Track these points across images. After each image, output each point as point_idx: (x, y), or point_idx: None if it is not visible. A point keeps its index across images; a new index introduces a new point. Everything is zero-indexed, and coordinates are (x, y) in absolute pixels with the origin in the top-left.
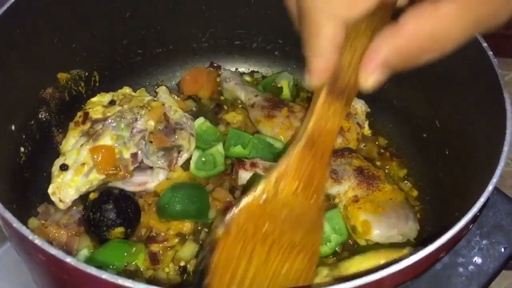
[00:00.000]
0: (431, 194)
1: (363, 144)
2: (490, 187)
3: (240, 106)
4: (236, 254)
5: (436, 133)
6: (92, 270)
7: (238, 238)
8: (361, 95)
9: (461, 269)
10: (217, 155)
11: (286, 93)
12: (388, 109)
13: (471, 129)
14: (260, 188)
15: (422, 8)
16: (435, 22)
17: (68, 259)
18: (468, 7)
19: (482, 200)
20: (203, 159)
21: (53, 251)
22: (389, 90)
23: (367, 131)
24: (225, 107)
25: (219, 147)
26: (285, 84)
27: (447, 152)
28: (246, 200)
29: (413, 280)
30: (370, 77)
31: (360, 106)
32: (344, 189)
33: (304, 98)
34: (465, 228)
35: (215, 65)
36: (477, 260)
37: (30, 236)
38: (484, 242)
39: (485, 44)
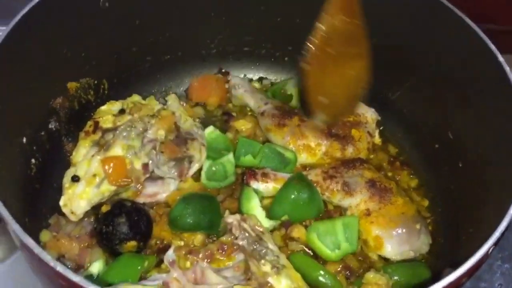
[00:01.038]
0: (442, 205)
1: (374, 155)
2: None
3: (249, 113)
4: (319, 74)
5: (449, 145)
6: None
7: (317, 62)
8: (371, 103)
9: None
10: (227, 165)
11: (295, 101)
12: (398, 118)
13: (487, 143)
14: (319, 27)
15: None
16: None
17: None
18: None
19: (504, 224)
20: (214, 168)
21: (75, 278)
22: (399, 99)
23: (377, 140)
24: (234, 114)
25: (230, 157)
26: (294, 92)
27: (460, 165)
28: (312, 40)
29: None
30: None
31: (370, 115)
32: (356, 201)
33: None
34: (487, 253)
35: (223, 71)
36: (500, 285)
37: (52, 263)
38: (506, 266)
39: (500, 59)
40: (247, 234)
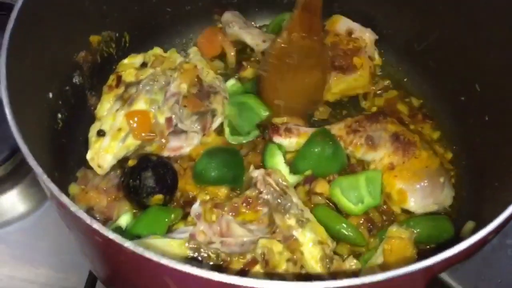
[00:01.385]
0: (466, 159)
1: (378, 87)
2: None
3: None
4: (273, 79)
5: (476, 97)
6: (150, 255)
7: (273, 70)
8: (394, 53)
9: (510, 251)
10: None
11: None
12: (423, 70)
13: None
14: (278, 41)
15: None
16: None
17: (127, 244)
18: None
19: None
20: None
21: (111, 235)
22: (425, 50)
23: (378, 60)
24: (245, 64)
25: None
26: None
27: (486, 119)
28: (272, 49)
29: (463, 262)
30: None
31: (368, 36)
32: (380, 155)
33: None
34: None
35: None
36: None
37: (88, 220)
38: None
39: None
40: (271, 189)
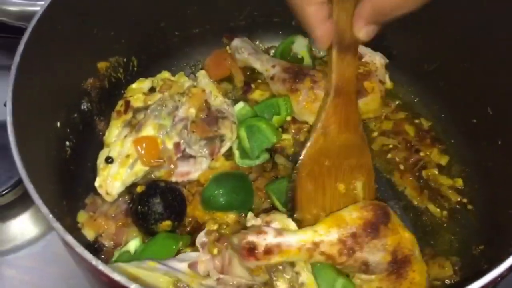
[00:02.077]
0: (478, 182)
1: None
2: None
3: (262, 81)
4: (312, 188)
5: (488, 120)
6: None
7: (309, 177)
8: (405, 73)
9: None
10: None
11: (307, 61)
12: (434, 91)
13: None
14: (312, 140)
15: None
16: None
17: (133, 286)
18: None
19: None
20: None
21: (117, 277)
22: (436, 71)
23: (389, 84)
24: (253, 86)
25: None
26: (304, 54)
27: (499, 143)
28: (305, 151)
29: None
30: (362, 31)
31: (378, 60)
32: (370, 278)
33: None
34: None
35: (229, 36)
36: None
37: (94, 261)
38: None
39: None
40: None
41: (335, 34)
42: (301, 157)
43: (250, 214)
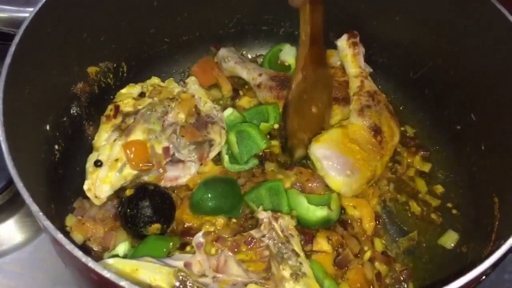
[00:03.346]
0: (463, 187)
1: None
2: None
3: (249, 88)
4: (297, 120)
5: (472, 126)
6: None
7: (295, 113)
8: (393, 77)
9: (508, 286)
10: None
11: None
12: (419, 98)
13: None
14: (294, 85)
15: None
16: None
17: (123, 283)
18: None
19: None
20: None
21: (107, 274)
22: (421, 78)
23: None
24: (241, 92)
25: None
26: (292, 62)
27: (483, 148)
28: (291, 95)
29: None
30: None
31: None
32: None
33: None
34: None
35: (216, 46)
36: None
37: (84, 258)
38: None
39: None
40: (274, 234)
41: None
42: (288, 99)
43: (260, 208)
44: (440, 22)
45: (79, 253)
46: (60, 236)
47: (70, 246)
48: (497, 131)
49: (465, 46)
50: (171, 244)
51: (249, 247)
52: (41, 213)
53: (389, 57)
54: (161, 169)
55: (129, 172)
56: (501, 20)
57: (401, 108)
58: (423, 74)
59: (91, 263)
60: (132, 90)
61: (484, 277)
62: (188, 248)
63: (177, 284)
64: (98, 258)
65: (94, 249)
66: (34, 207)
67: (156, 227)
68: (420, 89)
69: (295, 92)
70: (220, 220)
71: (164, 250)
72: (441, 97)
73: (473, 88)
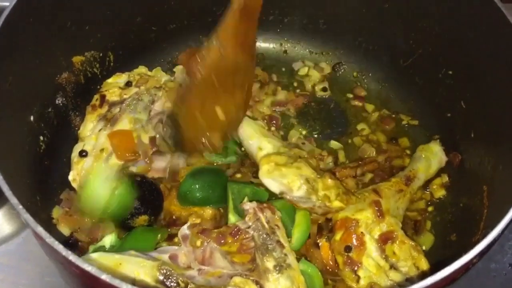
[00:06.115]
0: (453, 175)
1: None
2: None
3: None
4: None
5: (461, 114)
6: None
7: (195, 96)
8: (383, 65)
9: (494, 274)
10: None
11: None
12: (410, 86)
13: (501, 114)
14: (206, 54)
15: None
16: None
17: (103, 276)
18: None
19: None
20: None
21: (87, 267)
22: (411, 66)
23: None
24: None
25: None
26: None
27: (472, 135)
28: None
29: (448, 286)
30: None
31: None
32: None
33: None
34: (500, 234)
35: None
36: (511, 265)
37: (64, 252)
38: None
39: None
40: (259, 225)
41: None
42: (200, 69)
43: (245, 199)
44: (430, 10)
45: (59, 247)
46: (40, 229)
47: (50, 240)
48: (486, 119)
49: (454, 34)
50: (159, 235)
51: (234, 238)
52: (20, 206)
53: (379, 45)
54: (147, 159)
55: (115, 163)
56: (491, 8)
57: (391, 96)
58: (414, 62)
59: (71, 257)
60: (118, 79)
61: (471, 266)
62: (176, 239)
63: (161, 278)
64: (84, 250)
65: (81, 240)
66: (14, 200)
67: (143, 218)
68: (411, 77)
69: (206, 65)
70: (208, 211)
71: (152, 241)
72: (431, 85)
73: (463, 76)
